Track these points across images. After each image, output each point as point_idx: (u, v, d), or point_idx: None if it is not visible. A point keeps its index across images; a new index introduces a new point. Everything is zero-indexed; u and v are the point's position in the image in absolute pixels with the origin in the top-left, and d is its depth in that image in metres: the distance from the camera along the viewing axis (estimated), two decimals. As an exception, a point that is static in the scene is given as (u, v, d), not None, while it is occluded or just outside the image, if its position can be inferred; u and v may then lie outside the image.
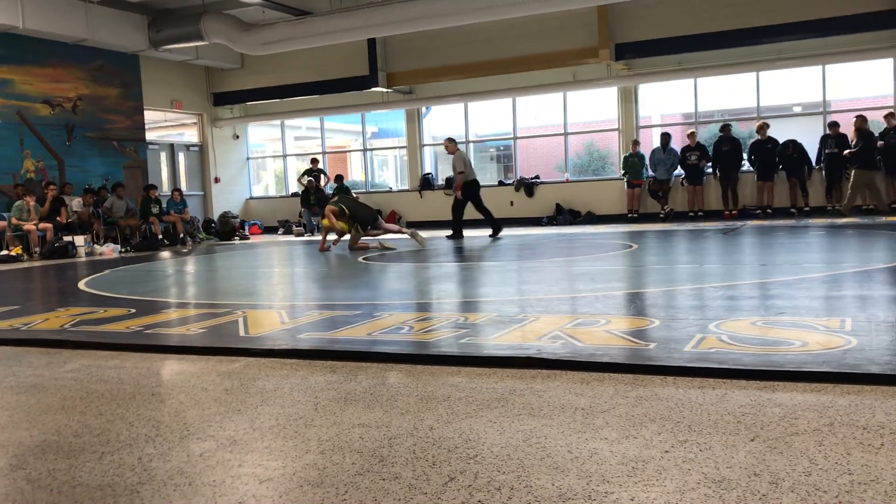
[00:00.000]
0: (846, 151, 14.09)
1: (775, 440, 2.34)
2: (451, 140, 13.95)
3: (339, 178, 18.30)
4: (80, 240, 13.52)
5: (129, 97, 16.96)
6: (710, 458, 2.22)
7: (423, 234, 12.22)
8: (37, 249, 13.32)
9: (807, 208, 14.79)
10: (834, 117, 14.88)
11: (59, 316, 5.72)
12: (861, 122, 14.04)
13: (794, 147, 14.71)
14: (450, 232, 13.45)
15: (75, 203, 14.67)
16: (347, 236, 11.86)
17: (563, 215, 16.67)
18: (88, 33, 14.98)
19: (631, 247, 9.91)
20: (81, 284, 8.29)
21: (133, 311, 5.76)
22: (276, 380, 3.46)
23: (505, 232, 14.47)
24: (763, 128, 14.91)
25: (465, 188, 13.26)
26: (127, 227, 15.17)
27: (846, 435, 2.35)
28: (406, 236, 12.04)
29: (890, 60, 14.65)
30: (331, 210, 11.65)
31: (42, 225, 13.53)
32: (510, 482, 2.12)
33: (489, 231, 13.30)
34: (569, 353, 3.52)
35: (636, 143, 16.15)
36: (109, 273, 9.70)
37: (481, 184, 18.24)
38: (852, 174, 13.95)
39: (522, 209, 17.36)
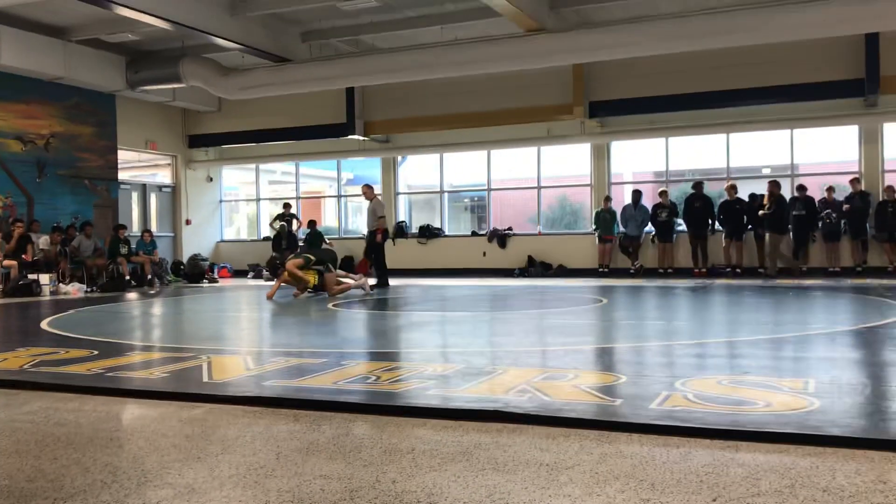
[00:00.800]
0: (760, 213, 14.80)
1: (737, 500, 2.34)
2: (369, 186, 14.22)
3: (311, 224, 18.27)
4: (45, 278, 13.31)
5: (103, 136, 16.90)
6: (673, 519, 2.21)
7: (395, 282, 12.20)
8: (0, 287, 13.09)
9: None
10: (801, 180, 15.22)
11: (19, 356, 5.60)
12: (773, 187, 14.70)
13: (761, 200, 14.97)
14: (376, 281, 13.34)
15: (42, 241, 14.49)
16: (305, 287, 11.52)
17: (535, 267, 16.75)
18: (66, 71, 14.97)
19: (601, 301, 9.97)
20: (44, 324, 8.14)
21: (96, 352, 5.66)
22: (238, 427, 3.41)
23: (477, 282, 14.50)
24: (732, 188, 15.18)
25: (383, 234, 13.57)
26: (94, 266, 14.97)
27: (807, 497, 2.36)
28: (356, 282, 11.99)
29: (855, 127, 15.05)
30: (294, 264, 11.23)
31: (7, 262, 13.32)
32: (471, 539, 2.09)
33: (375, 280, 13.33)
34: (535, 408, 3.51)
35: (608, 198, 16.35)
36: (74, 313, 9.54)
37: (455, 234, 18.52)
38: (766, 237, 14.71)
39: (495, 260, 17.44)
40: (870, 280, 12.90)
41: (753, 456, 2.80)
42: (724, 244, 15.27)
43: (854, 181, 14.60)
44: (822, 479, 2.53)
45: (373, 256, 13.84)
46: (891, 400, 3.66)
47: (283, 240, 17.53)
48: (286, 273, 11.26)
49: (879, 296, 9.77)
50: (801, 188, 14.71)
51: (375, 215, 13.57)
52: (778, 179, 14.96)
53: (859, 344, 5.70)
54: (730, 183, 15.38)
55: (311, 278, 11.15)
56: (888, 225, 14.16)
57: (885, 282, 12.37)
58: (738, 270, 15.06)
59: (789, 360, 5.01)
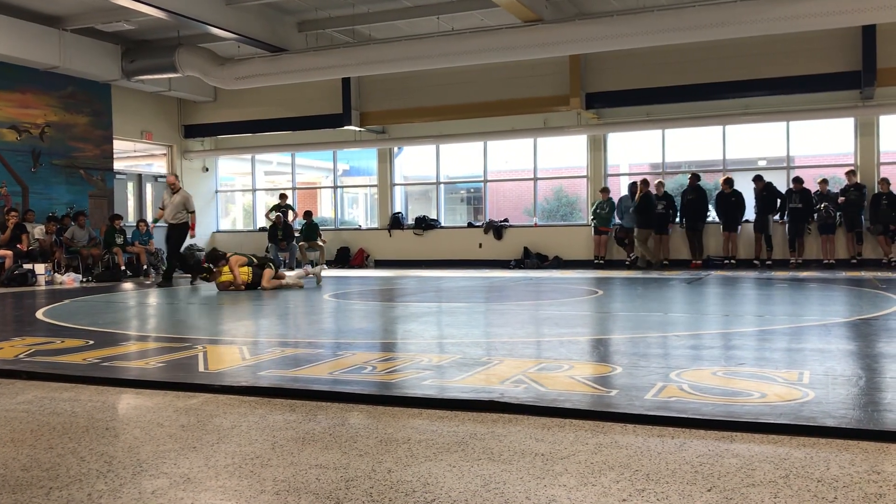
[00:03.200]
0: (631, 210, 15.53)
1: (731, 491, 2.34)
2: (175, 176, 13.64)
3: (307, 214, 18.26)
4: (40, 268, 13.28)
5: (98, 126, 16.85)
6: (667, 508, 2.21)
7: (391, 273, 12.16)
8: (-5, 276, 13.06)
9: (769, 262, 15.02)
10: (797, 172, 15.23)
11: (15, 345, 5.59)
12: (643, 185, 15.44)
13: (764, 185, 14.96)
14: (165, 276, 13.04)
15: (37, 231, 14.45)
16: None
17: (531, 259, 16.76)
18: (61, 61, 14.90)
19: (596, 293, 9.98)
20: (39, 314, 8.13)
21: (91, 342, 5.66)
22: (233, 417, 3.41)
23: (473, 274, 14.51)
24: (727, 181, 15.19)
25: (180, 229, 12.92)
26: (89, 256, 14.95)
27: (801, 487, 2.37)
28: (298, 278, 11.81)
29: (851, 120, 15.06)
30: (237, 261, 11.06)
31: (1, 252, 13.28)
32: (467, 528, 2.10)
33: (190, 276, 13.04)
34: (531, 398, 3.52)
35: (606, 190, 16.33)
36: (69, 303, 9.53)
37: (451, 225, 18.52)
38: (634, 232, 15.42)
39: (491, 251, 17.44)
40: (864, 272, 12.93)
41: (748, 447, 2.81)
42: (722, 236, 15.30)
43: (850, 173, 14.61)
44: (816, 469, 2.54)
45: (170, 248, 13.25)
46: (885, 391, 3.67)
47: (279, 230, 17.51)
48: (223, 270, 11.02)
49: (874, 288, 9.80)
50: (798, 180, 14.71)
51: (187, 209, 12.86)
52: (647, 178, 15.76)
53: (854, 335, 5.72)
54: (725, 176, 15.40)
55: (245, 276, 11.04)
56: (882, 217, 14.18)
57: (879, 274, 12.40)
58: (734, 262, 15.09)
59: (784, 351, 5.02)
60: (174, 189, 13.05)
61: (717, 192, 15.56)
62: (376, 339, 6.06)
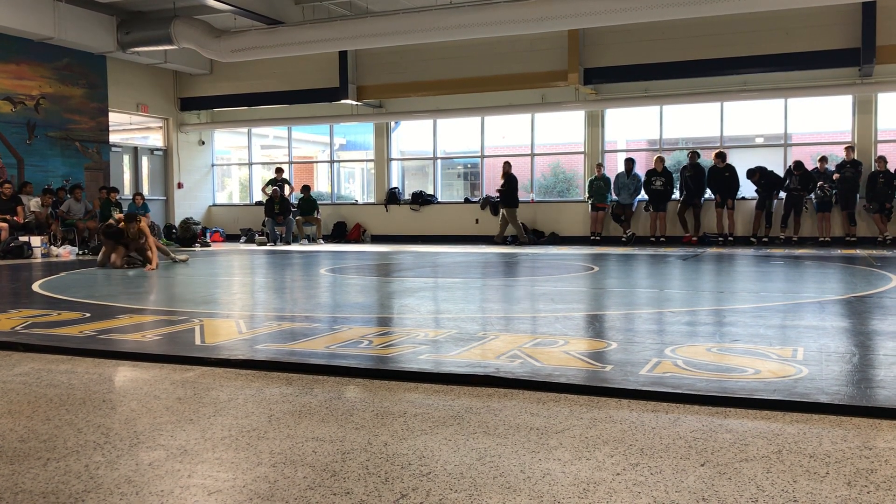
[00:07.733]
0: (496, 189, 16.44)
1: (725, 466, 2.37)
2: None
3: (305, 189, 18.22)
4: (36, 240, 13.26)
5: (94, 98, 16.75)
6: (661, 482, 2.23)
7: (387, 248, 12.14)
8: (-9, 248, 13.03)
9: (765, 239, 15.05)
10: (794, 150, 15.21)
11: (11, 317, 5.60)
12: (507, 167, 16.18)
13: (761, 173, 14.92)
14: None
15: (33, 203, 14.41)
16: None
17: (528, 235, 16.76)
18: (55, 32, 14.77)
19: (592, 269, 9.99)
20: (35, 286, 8.13)
21: (88, 315, 5.67)
22: (230, 390, 3.43)
23: (469, 249, 14.51)
24: (720, 155, 15.16)
25: None
26: (85, 229, 14.92)
27: (793, 463, 2.39)
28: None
29: (849, 97, 15.01)
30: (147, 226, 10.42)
31: (-2, 224, 13.26)
32: (462, 501, 2.12)
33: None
34: (526, 373, 3.54)
35: (600, 166, 16.32)
36: (65, 275, 9.52)
37: (447, 201, 18.47)
38: (501, 211, 16.39)
39: (487, 227, 17.43)
40: (860, 250, 12.96)
41: (742, 422, 2.83)
42: (716, 213, 15.31)
43: (848, 149, 14.56)
44: (808, 445, 2.56)
45: None
46: (878, 368, 3.69)
47: (275, 205, 17.48)
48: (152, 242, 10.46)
49: (869, 265, 9.83)
50: (799, 166, 14.63)
51: None
52: (509, 160, 16.46)
53: (848, 313, 5.74)
54: (717, 150, 15.39)
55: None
56: (878, 195, 14.19)
57: (874, 252, 12.43)
58: (731, 239, 15.11)
59: (778, 328, 5.04)
60: None
61: (709, 167, 15.54)
62: (373, 313, 6.07)
